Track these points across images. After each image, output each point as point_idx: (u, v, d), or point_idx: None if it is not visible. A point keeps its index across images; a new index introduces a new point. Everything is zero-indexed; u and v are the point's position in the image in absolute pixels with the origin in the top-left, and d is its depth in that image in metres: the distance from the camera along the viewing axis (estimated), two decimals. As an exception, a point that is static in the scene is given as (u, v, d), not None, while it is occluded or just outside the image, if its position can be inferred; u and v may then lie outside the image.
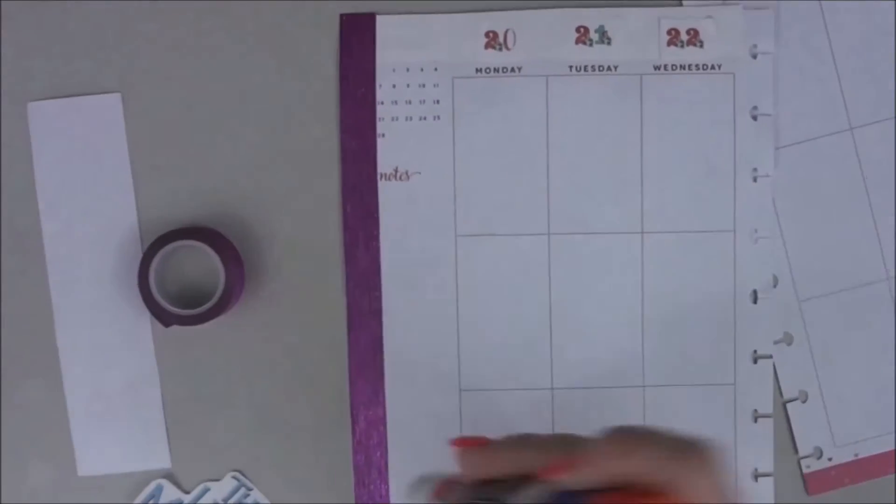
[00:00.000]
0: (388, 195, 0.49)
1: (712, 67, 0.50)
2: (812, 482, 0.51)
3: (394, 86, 0.49)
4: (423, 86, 0.49)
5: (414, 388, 0.49)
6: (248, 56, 0.49)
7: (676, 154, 0.50)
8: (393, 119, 0.49)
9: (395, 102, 0.49)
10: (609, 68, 0.50)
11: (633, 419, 0.50)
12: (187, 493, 0.50)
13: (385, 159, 0.49)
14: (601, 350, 0.50)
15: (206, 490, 0.50)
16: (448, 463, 0.49)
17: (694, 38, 0.50)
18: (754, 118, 0.50)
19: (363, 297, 0.49)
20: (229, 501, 0.50)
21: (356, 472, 0.49)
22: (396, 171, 0.49)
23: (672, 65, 0.50)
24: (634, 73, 0.50)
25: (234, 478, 0.49)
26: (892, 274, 0.51)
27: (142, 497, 0.49)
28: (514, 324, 0.50)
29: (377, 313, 0.49)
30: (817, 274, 0.50)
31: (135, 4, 0.49)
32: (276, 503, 0.50)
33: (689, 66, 0.50)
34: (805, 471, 0.51)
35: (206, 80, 0.49)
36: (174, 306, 0.47)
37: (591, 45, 0.50)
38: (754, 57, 0.50)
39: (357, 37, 0.49)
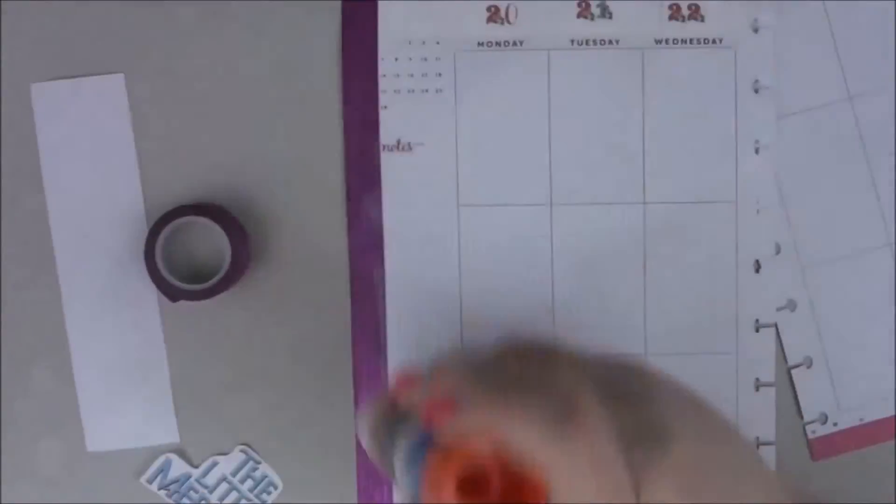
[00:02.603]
0: (391, 167, 0.50)
1: (714, 41, 0.50)
2: (817, 447, 0.51)
3: (396, 59, 0.50)
4: (426, 59, 0.50)
5: (416, 358, 0.50)
6: (251, 29, 0.50)
7: (678, 127, 0.50)
8: (396, 91, 0.50)
9: (398, 75, 0.50)
10: (611, 42, 0.50)
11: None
12: (196, 467, 0.50)
13: (388, 131, 0.50)
14: (603, 319, 0.50)
15: (215, 464, 0.50)
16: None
17: (695, 12, 0.50)
18: (756, 91, 0.50)
19: (366, 269, 0.50)
20: (238, 475, 0.50)
21: (358, 444, 0.50)
22: (399, 142, 0.50)
23: (673, 39, 0.50)
24: (636, 47, 0.50)
25: (242, 451, 0.50)
26: (893, 240, 0.51)
27: (150, 472, 0.50)
28: (517, 293, 0.50)
29: (380, 284, 0.50)
30: (820, 240, 0.51)
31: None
32: (285, 476, 0.50)
33: (691, 40, 0.50)
34: (810, 436, 0.51)
35: (208, 56, 0.50)
36: (181, 282, 0.47)
37: (592, 19, 0.50)
38: (755, 31, 0.50)
39: (360, 10, 0.50)
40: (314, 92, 0.50)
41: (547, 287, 0.50)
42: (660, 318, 0.50)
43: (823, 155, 0.51)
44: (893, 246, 0.51)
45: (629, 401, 0.37)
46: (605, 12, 0.50)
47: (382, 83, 0.49)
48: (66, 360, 0.50)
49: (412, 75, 0.50)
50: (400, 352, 0.50)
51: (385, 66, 0.50)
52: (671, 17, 0.50)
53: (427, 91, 0.50)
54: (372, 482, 0.50)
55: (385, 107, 0.50)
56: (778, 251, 0.50)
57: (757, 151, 0.50)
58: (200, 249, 0.50)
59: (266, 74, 0.50)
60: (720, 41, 0.50)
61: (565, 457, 0.33)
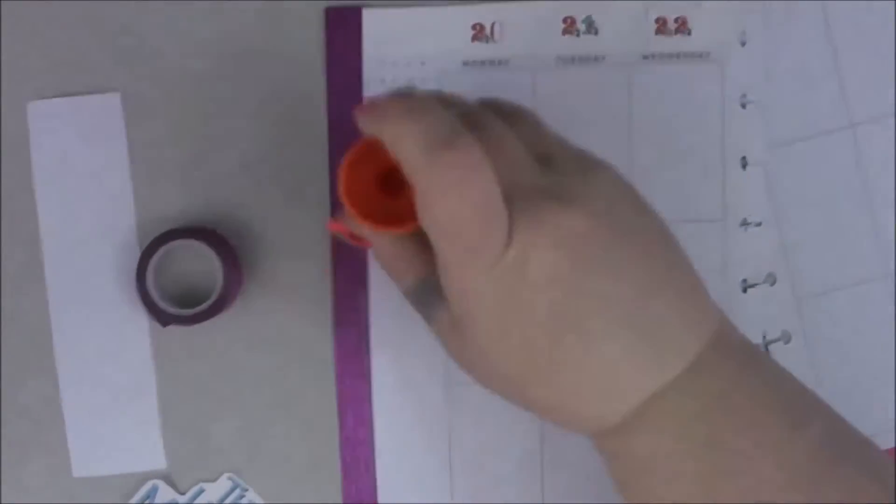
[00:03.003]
0: (376, 190, 0.49)
1: (700, 56, 0.50)
2: (810, 479, 0.50)
3: (381, 80, 0.49)
4: (411, 80, 0.49)
5: (401, 383, 0.49)
6: (239, 55, 0.49)
7: (666, 144, 0.49)
8: (380, 114, 0.49)
9: (382, 97, 0.49)
10: (597, 59, 0.50)
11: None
12: (182, 493, 0.50)
13: (372, 155, 0.49)
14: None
15: (202, 491, 0.50)
16: (436, 459, 0.49)
17: (682, 26, 0.49)
18: (743, 106, 0.49)
19: (350, 295, 0.49)
20: (225, 502, 0.50)
21: (343, 468, 0.50)
22: (384, 166, 0.49)
23: (660, 54, 0.49)
24: (623, 62, 0.49)
25: (229, 479, 0.50)
26: (892, 271, 0.50)
27: (137, 498, 0.50)
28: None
29: (364, 310, 0.49)
30: (816, 272, 0.50)
31: (133, 4, 0.49)
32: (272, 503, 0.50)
33: (678, 54, 0.50)
34: (804, 471, 0.50)
35: (202, 79, 0.50)
36: (172, 306, 0.47)
37: (578, 35, 0.50)
38: (742, 44, 0.49)
39: (342, 31, 0.49)
40: (303, 117, 0.49)
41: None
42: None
43: (821, 184, 0.50)
44: (892, 277, 0.50)
45: (553, 166, 0.35)
46: (591, 28, 0.50)
47: (366, 105, 0.49)
48: (54, 383, 0.49)
49: (396, 96, 0.49)
50: (383, 374, 0.49)
51: (370, 89, 0.49)
52: (657, 32, 0.50)
53: (411, 112, 0.49)
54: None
55: (370, 130, 0.49)
56: (773, 282, 0.50)
57: (744, 167, 0.49)
58: (193, 272, 0.50)
59: (257, 99, 0.49)
60: (707, 55, 0.50)
61: (433, 178, 0.32)
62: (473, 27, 0.49)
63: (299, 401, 0.50)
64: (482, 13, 0.49)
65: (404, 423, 0.49)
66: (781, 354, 0.50)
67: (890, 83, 0.50)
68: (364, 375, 0.49)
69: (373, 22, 0.49)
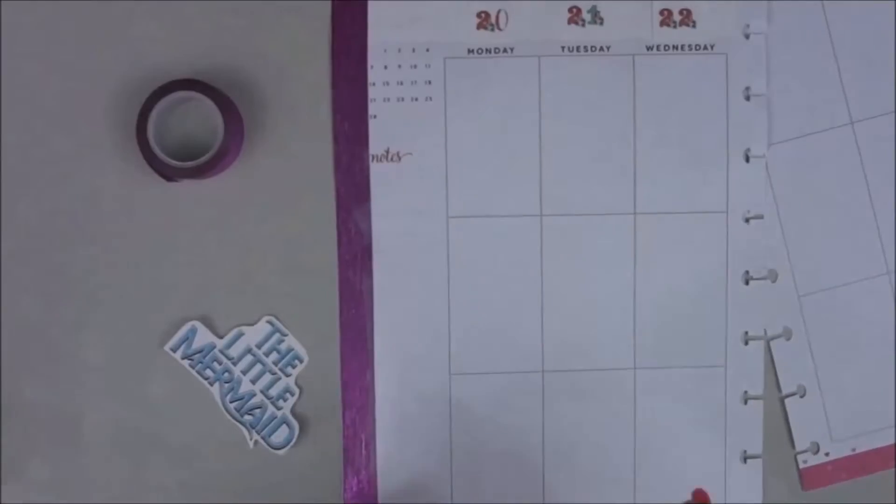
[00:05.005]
0: (380, 176, 0.49)
1: (705, 48, 0.50)
2: (808, 477, 0.51)
3: (385, 67, 0.49)
4: (415, 66, 0.49)
5: (404, 371, 0.50)
6: (246, 41, 0.49)
7: (669, 135, 0.50)
8: (385, 100, 0.49)
9: (387, 83, 0.49)
10: (601, 48, 0.49)
11: (624, 401, 0.50)
12: (221, 337, 0.49)
13: (377, 140, 0.49)
14: (592, 332, 0.50)
15: (241, 335, 0.49)
16: (435, 446, 0.49)
17: (687, 18, 0.49)
18: (747, 98, 0.50)
19: (355, 278, 0.49)
20: (263, 347, 0.49)
21: (345, 456, 0.50)
22: (388, 152, 0.49)
23: (665, 45, 0.49)
24: (627, 53, 0.49)
25: (268, 322, 0.49)
26: (892, 268, 0.50)
27: (175, 340, 0.48)
28: (506, 305, 0.50)
29: (368, 294, 0.49)
30: (817, 269, 0.50)
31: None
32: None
33: (682, 46, 0.50)
34: (801, 466, 0.50)
35: (204, 70, 0.49)
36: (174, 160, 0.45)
37: (583, 25, 0.49)
38: (747, 37, 0.49)
39: (349, 17, 0.49)
40: (307, 103, 0.49)
41: (536, 299, 0.50)
42: (649, 331, 0.50)
43: (824, 182, 0.50)
44: (892, 274, 0.50)
45: None
46: (596, 18, 0.49)
47: (372, 92, 0.49)
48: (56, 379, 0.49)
49: (401, 83, 0.49)
50: (386, 362, 0.50)
51: (374, 74, 0.49)
52: (662, 23, 0.50)
53: (417, 99, 0.49)
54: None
55: (374, 116, 0.49)
56: (775, 278, 0.50)
57: (748, 160, 0.50)
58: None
59: (258, 85, 0.49)
60: (711, 47, 0.50)
61: None
62: (479, 15, 0.49)
63: (302, 387, 0.50)
64: (487, 1, 0.49)
65: (406, 413, 0.50)
66: (783, 351, 0.50)
67: (889, 82, 0.50)
68: (368, 364, 0.49)
69: (379, 9, 0.49)
